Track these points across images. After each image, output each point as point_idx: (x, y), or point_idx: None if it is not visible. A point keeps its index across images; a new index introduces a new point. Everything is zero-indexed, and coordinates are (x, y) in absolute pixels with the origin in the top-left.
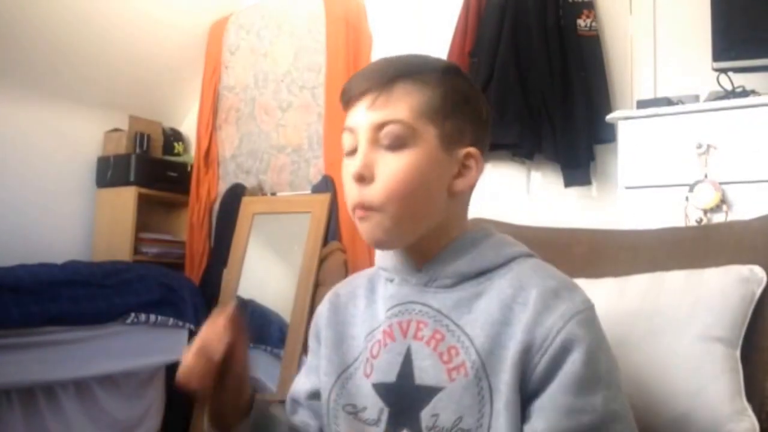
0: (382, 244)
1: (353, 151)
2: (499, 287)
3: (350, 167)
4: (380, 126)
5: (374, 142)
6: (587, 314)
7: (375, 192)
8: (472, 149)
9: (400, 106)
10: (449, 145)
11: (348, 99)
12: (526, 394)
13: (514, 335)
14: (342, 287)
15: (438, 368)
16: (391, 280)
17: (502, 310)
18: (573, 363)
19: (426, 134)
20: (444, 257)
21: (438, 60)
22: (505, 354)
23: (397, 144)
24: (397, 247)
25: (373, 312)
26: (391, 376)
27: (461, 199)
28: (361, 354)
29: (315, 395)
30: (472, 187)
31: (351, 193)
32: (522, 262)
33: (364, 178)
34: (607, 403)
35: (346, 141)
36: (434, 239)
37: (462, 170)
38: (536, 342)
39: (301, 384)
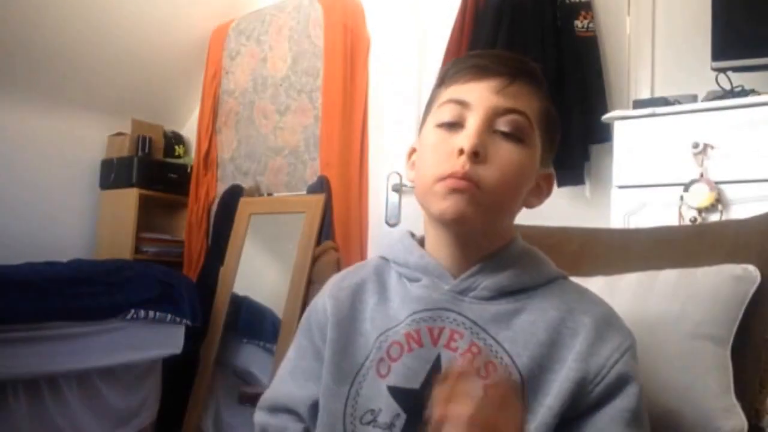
0: (461, 222)
1: (455, 124)
2: (541, 307)
3: (457, 140)
4: (504, 112)
5: (490, 125)
6: (635, 348)
7: (489, 173)
8: (551, 171)
9: (526, 101)
10: (542, 159)
11: (466, 73)
12: (567, 418)
13: (563, 360)
14: (344, 280)
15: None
16: (414, 280)
17: (548, 333)
18: (628, 396)
19: (536, 139)
20: (486, 268)
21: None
22: (549, 377)
23: (517, 135)
24: (467, 229)
25: (386, 310)
26: (414, 383)
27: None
28: (372, 353)
29: (315, 405)
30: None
31: (449, 163)
32: (561, 284)
33: (478, 155)
34: None
35: (450, 112)
36: (481, 244)
37: (535, 189)
38: (591, 371)
39: (297, 394)
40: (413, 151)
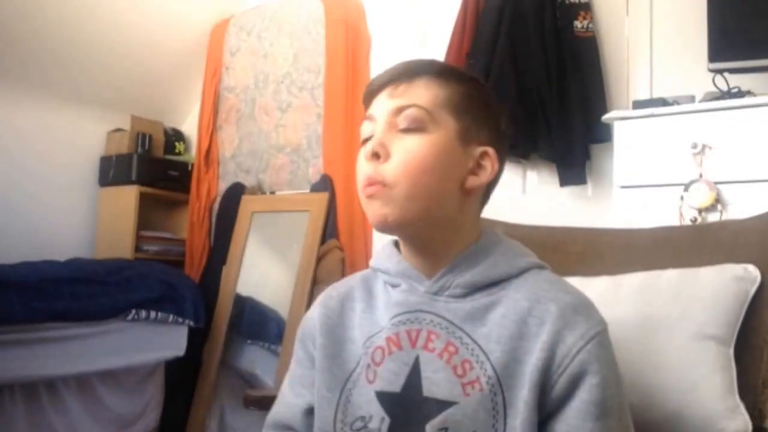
0: (388, 225)
1: (370, 138)
2: (513, 299)
3: (365, 149)
4: (399, 110)
5: (392, 126)
6: (604, 335)
7: (390, 168)
8: (489, 149)
9: (421, 94)
10: (466, 140)
11: (370, 93)
12: (543, 414)
13: (531, 350)
14: (334, 290)
15: (452, 382)
16: (395, 286)
17: (517, 324)
18: (590, 388)
19: (444, 123)
20: (456, 266)
21: (462, 68)
22: (521, 369)
23: (415, 127)
24: (401, 231)
25: (372, 316)
26: (395, 386)
27: (474, 200)
28: (361, 359)
29: (310, 411)
30: (485, 188)
31: (362, 170)
32: (536, 274)
33: (378, 156)
34: (621, 426)
35: (365, 129)
36: (447, 243)
37: (476, 168)
38: (556, 359)
39: (293, 403)
40: None
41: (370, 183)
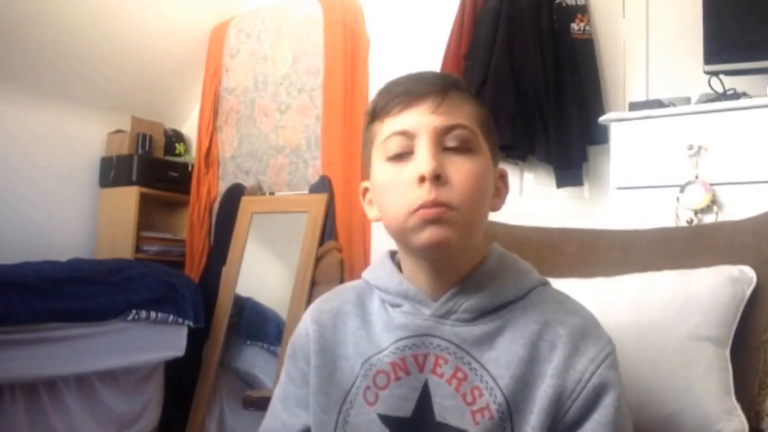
0: (448, 249)
1: (405, 154)
2: (522, 322)
3: (414, 168)
4: (448, 129)
5: (440, 144)
6: (613, 356)
7: (454, 192)
8: (503, 170)
9: (463, 112)
10: (494, 162)
11: (397, 103)
12: None
13: (542, 375)
14: (325, 303)
15: (461, 410)
16: (396, 305)
17: (527, 348)
18: (606, 408)
19: (483, 144)
20: (464, 288)
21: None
22: (532, 393)
23: (466, 148)
24: (447, 254)
25: (368, 334)
26: (405, 411)
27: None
28: (358, 379)
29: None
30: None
31: (417, 193)
32: (540, 292)
33: (440, 177)
34: None
35: (396, 144)
36: (459, 262)
37: (494, 191)
38: (568, 386)
39: (288, 422)
40: (366, 190)
41: (435, 205)
